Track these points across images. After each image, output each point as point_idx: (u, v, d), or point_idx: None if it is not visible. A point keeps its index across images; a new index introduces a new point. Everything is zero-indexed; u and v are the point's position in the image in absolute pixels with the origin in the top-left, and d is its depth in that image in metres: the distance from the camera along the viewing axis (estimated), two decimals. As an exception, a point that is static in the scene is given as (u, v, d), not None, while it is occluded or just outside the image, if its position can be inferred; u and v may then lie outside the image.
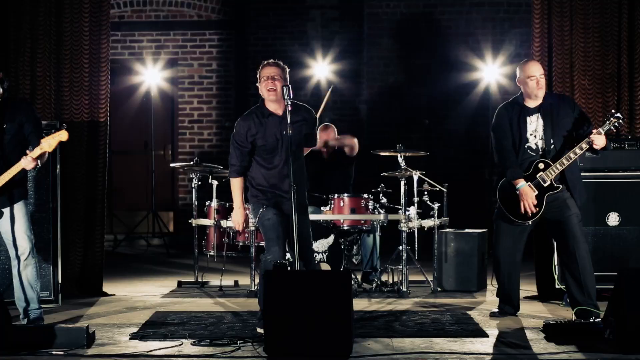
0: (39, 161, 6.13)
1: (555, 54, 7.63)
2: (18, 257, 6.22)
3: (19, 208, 6.23)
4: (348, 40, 12.13)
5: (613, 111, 6.40)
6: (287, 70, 6.04)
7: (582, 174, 6.58)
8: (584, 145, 6.16)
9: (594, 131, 6.16)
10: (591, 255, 6.34)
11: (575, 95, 7.56)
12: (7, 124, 6.17)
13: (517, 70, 6.48)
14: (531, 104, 6.39)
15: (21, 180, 6.26)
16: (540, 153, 6.31)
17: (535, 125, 6.35)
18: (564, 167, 6.21)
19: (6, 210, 6.19)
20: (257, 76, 6.03)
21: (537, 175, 6.26)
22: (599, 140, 6.13)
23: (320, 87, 12.03)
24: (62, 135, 6.13)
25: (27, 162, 6.07)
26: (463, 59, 11.90)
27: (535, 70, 6.36)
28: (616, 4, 7.63)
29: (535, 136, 6.34)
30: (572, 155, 6.19)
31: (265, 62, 6.05)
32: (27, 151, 6.13)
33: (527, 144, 6.34)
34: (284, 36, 12.07)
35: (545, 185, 6.26)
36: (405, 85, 12.06)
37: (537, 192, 6.26)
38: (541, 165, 6.28)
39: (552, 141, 6.29)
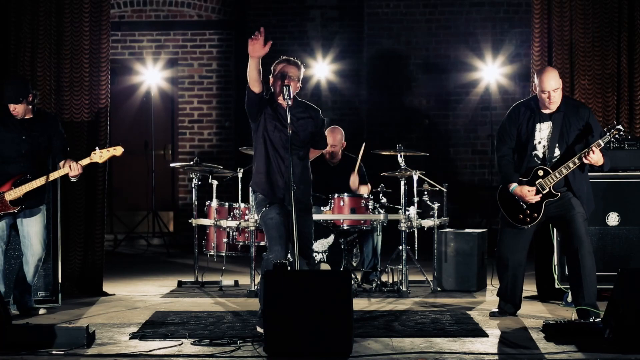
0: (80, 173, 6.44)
1: (555, 54, 7.63)
2: (27, 259, 6.52)
3: (41, 213, 6.59)
4: (348, 40, 12.14)
5: (614, 123, 6.35)
6: (303, 69, 6.09)
7: (582, 173, 6.56)
8: (582, 157, 6.13)
9: (594, 144, 6.09)
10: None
11: (575, 95, 7.56)
12: (39, 137, 6.49)
13: (534, 76, 6.40)
14: (546, 110, 6.33)
15: (44, 186, 6.53)
16: (546, 162, 6.28)
17: (544, 133, 6.30)
18: (562, 175, 6.19)
19: (30, 213, 6.53)
20: (272, 68, 6.05)
21: (536, 182, 6.25)
22: (593, 157, 6.07)
23: (320, 87, 12.05)
24: (117, 152, 6.36)
25: (73, 170, 6.37)
26: (463, 59, 11.91)
27: (549, 86, 6.22)
28: (616, 4, 7.63)
29: (543, 145, 6.30)
30: (570, 164, 6.16)
31: (284, 59, 6.08)
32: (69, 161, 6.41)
33: (535, 152, 6.32)
34: (284, 36, 12.08)
35: (544, 192, 6.25)
36: (405, 85, 12.07)
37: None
38: (540, 172, 6.26)
39: (558, 152, 6.27)
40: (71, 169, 6.37)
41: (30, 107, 6.58)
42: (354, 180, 8.06)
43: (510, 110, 6.49)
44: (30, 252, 6.58)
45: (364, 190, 8.13)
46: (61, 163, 6.45)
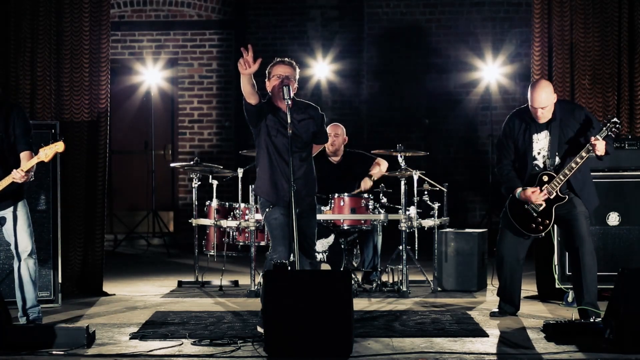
0: (31, 173, 6.16)
1: (555, 54, 7.63)
2: (19, 256, 6.29)
3: (20, 208, 6.29)
4: (348, 40, 12.14)
5: (609, 116, 6.35)
6: (298, 70, 6.06)
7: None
8: (584, 154, 6.11)
9: (592, 138, 6.09)
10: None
11: (576, 95, 7.56)
12: (5, 130, 6.25)
13: (529, 88, 6.33)
14: (541, 119, 6.33)
15: (20, 183, 6.31)
16: (547, 170, 6.28)
17: (542, 143, 6.31)
18: (567, 177, 6.18)
19: (8, 211, 6.25)
20: (267, 71, 6.04)
21: (543, 188, 6.24)
22: (599, 145, 6.07)
23: (320, 87, 12.04)
24: (59, 147, 6.10)
25: (18, 176, 6.09)
26: (463, 59, 11.91)
27: (538, 103, 6.18)
28: (616, 4, 7.62)
29: (543, 155, 6.31)
30: (573, 164, 6.15)
31: (279, 60, 6.04)
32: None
33: (535, 162, 6.32)
34: (284, 36, 12.08)
35: (552, 197, 6.24)
36: (405, 85, 12.07)
37: (544, 205, 6.25)
38: (545, 178, 6.26)
39: (558, 159, 6.26)
40: (15, 177, 6.09)
41: None
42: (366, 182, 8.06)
43: (505, 123, 6.49)
44: (21, 247, 6.30)
45: (379, 170, 8.10)
46: (16, 170, 6.09)
